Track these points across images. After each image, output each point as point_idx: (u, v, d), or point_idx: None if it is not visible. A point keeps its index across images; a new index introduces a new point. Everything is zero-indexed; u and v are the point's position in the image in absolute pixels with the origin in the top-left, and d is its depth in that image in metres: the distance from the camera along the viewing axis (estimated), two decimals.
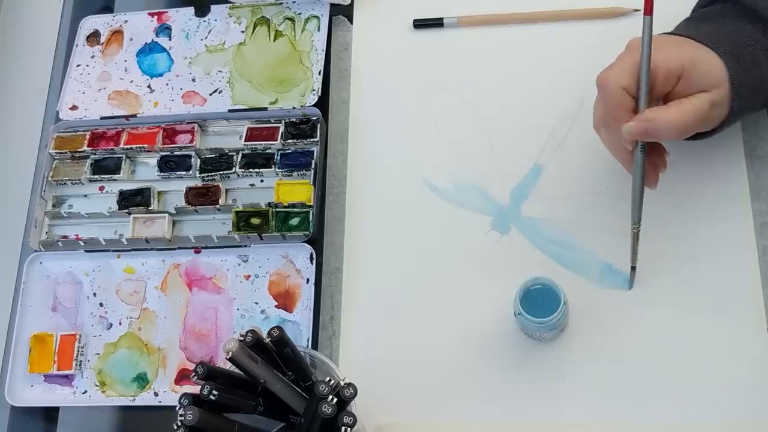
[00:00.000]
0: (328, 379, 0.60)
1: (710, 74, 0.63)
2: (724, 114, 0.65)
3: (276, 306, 0.78)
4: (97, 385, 0.78)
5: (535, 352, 0.72)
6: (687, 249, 0.72)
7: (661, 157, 0.68)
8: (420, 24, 0.85)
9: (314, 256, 0.78)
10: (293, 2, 0.89)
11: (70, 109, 0.89)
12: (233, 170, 0.82)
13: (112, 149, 0.85)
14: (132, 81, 0.89)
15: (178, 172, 0.84)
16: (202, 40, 0.90)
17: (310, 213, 0.80)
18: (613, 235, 0.73)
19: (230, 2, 0.90)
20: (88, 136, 0.86)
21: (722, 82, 0.63)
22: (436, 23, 0.85)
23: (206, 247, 0.81)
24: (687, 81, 0.63)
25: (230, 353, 0.59)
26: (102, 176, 0.85)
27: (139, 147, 0.85)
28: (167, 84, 0.88)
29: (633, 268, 0.70)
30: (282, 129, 0.83)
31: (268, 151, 0.83)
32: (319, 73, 0.85)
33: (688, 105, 0.62)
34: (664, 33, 0.67)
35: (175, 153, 0.85)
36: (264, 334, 0.64)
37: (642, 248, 0.72)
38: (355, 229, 0.79)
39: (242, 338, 0.62)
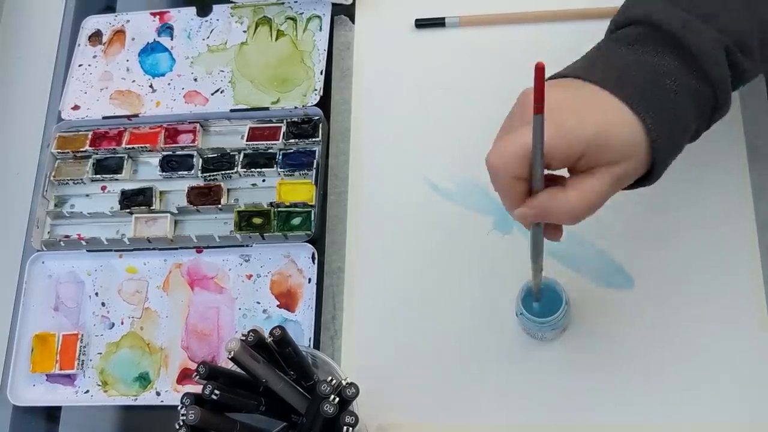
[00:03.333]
0: (330, 378, 0.60)
1: (620, 148, 0.53)
2: (637, 176, 0.56)
3: (278, 306, 0.78)
4: (99, 385, 0.78)
5: (536, 352, 0.72)
6: (689, 249, 0.72)
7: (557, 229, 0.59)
8: (422, 24, 0.85)
9: (316, 255, 0.78)
10: (295, 2, 0.89)
11: (72, 108, 0.89)
12: (235, 170, 0.82)
13: (114, 149, 0.85)
14: (134, 81, 0.89)
15: (179, 172, 0.84)
16: (203, 39, 0.90)
17: (312, 213, 0.80)
18: (615, 235, 0.73)
19: (232, 2, 0.90)
20: (90, 136, 0.86)
21: (635, 152, 0.54)
22: (438, 23, 0.85)
23: (208, 247, 0.81)
24: (591, 158, 0.53)
25: (232, 353, 0.59)
26: (104, 176, 0.85)
27: (141, 147, 0.85)
28: (169, 84, 0.88)
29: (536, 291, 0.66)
30: (284, 129, 0.83)
31: (269, 150, 0.83)
32: (321, 73, 0.85)
33: (589, 188, 0.53)
34: (567, 77, 0.57)
35: (177, 153, 0.85)
36: (266, 334, 0.64)
37: (644, 248, 0.72)
38: (356, 229, 0.79)
39: (244, 338, 0.62)
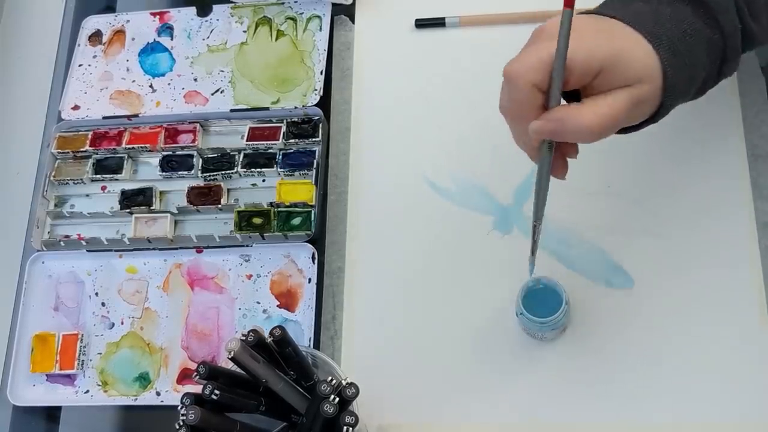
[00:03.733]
0: (329, 378, 0.60)
1: (637, 69, 0.55)
2: (651, 110, 0.58)
3: (278, 306, 0.78)
4: (99, 385, 0.78)
5: (537, 352, 0.72)
6: (689, 248, 0.72)
7: (573, 146, 0.59)
8: (422, 24, 0.85)
9: (316, 255, 0.78)
10: (295, 2, 0.89)
11: (72, 108, 0.89)
12: (235, 170, 0.83)
13: (114, 149, 0.85)
14: (134, 81, 0.89)
15: (179, 172, 0.84)
16: (203, 39, 0.90)
17: (312, 213, 0.80)
18: (615, 235, 0.73)
19: (232, 2, 0.90)
20: (90, 136, 0.86)
21: (651, 77, 0.55)
22: (438, 23, 0.85)
23: (208, 247, 0.81)
24: (607, 77, 0.54)
25: (232, 353, 0.59)
26: (104, 176, 0.85)
27: (141, 147, 0.85)
28: (169, 84, 0.88)
29: (532, 258, 0.65)
30: (284, 129, 0.83)
31: (269, 150, 0.83)
32: (321, 73, 0.85)
33: (605, 106, 0.54)
34: (587, 11, 0.59)
35: (177, 153, 0.85)
36: (266, 334, 0.64)
37: (644, 248, 0.72)
38: (356, 229, 0.79)
39: (244, 338, 0.62)
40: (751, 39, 0.60)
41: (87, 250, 0.83)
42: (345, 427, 0.59)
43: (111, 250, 0.83)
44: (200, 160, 0.84)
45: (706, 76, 0.60)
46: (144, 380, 0.78)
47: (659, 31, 0.56)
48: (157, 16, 0.92)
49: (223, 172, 0.83)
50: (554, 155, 0.57)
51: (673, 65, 0.56)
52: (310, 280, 0.78)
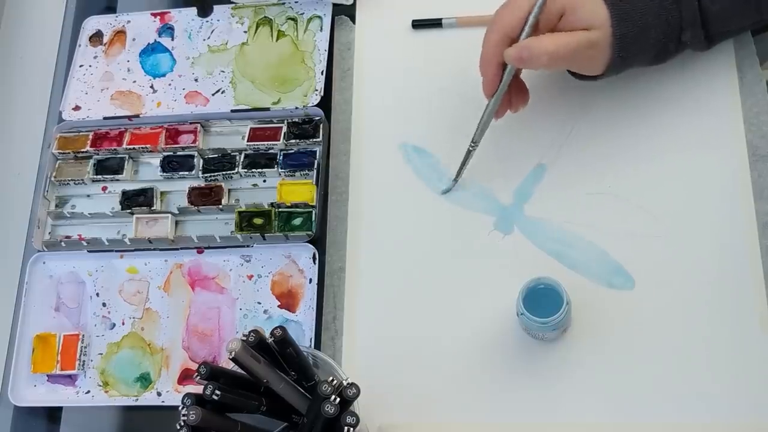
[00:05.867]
0: (330, 378, 0.60)
1: (589, 17, 0.68)
2: (605, 58, 0.70)
3: (279, 306, 0.78)
4: (100, 385, 0.78)
5: (538, 352, 0.72)
6: (690, 249, 0.72)
7: (524, 94, 0.74)
8: (418, 24, 0.85)
9: (317, 255, 0.78)
10: (296, 2, 0.89)
11: (72, 109, 0.89)
12: (236, 170, 0.83)
13: (114, 149, 0.85)
14: (135, 81, 0.89)
15: (180, 173, 0.84)
16: (204, 40, 0.90)
17: (313, 213, 0.80)
18: (617, 235, 0.73)
19: (233, 2, 0.90)
20: (90, 137, 0.86)
21: (601, 25, 0.68)
22: (435, 23, 0.85)
23: (209, 247, 0.81)
24: (567, 20, 0.69)
25: (233, 353, 0.59)
26: (105, 176, 0.85)
27: (142, 147, 0.85)
28: (170, 84, 0.88)
29: (456, 180, 0.77)
30: (284, 129, 0.83)
31: (270, 151, 0.83)
32: (322, 73, 0.85)
33: (562, 37, 0.68)
34: None
35: (178, 153, 0.85)
36: (267, 334, 0.64)
37: (645, 248, 0.72)
38: (357, 229, 0.79)
39: (245, 338, 0.62)
40: (707, 15, 0.70)
41: (88, 251, 0.83)
42: (346, 428, 0.59)
43: (112, 251, 0.83)
44: (201, 160, 0.84)
45: (664, 39, 0.71)
46: (145, 381, 0.78)
47: None
48: (158, 17, 0.92)
49: (224, 172, 0.83)
50: (504, 102, 0.73)
51: (621, 18, 0.68)
52: (311, 280, 0.78)
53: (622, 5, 0.68)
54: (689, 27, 0.71)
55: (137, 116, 0.87)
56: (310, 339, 0.76)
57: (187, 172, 0.84)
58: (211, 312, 0.79)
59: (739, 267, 0.71)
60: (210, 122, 0.86)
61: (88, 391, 0.78)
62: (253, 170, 0.82)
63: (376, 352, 0.74)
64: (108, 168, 0.85)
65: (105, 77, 0.90)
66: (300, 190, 0.81)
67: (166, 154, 0.85)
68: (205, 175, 0.83)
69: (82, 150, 0.86)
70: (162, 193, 0.84)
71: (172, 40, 0.91)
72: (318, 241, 0.79)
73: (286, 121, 0.84)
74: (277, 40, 0.88)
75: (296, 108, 0.83)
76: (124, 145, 0.85)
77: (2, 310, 0.83)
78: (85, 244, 0.83)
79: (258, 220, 0.80)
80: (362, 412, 0.62)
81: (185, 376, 0.77)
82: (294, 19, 0.89)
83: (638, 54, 0.71)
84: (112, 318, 0.81)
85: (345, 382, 0.61)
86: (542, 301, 0.68)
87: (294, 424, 0.65)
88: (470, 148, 0.75)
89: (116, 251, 0.83)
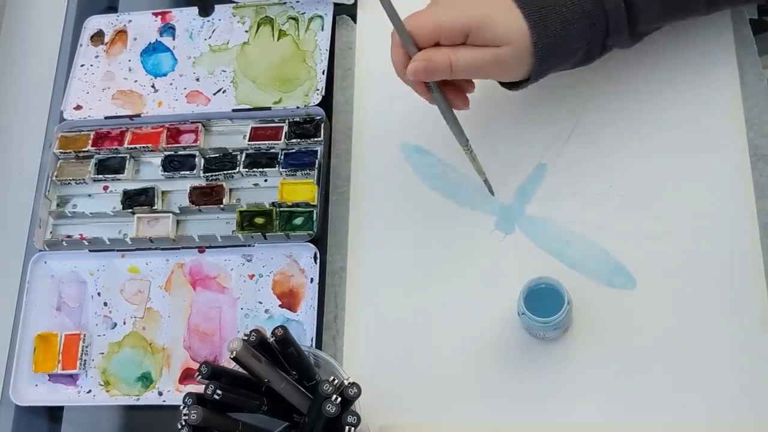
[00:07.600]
0: (332, 378, 0.60)
1: (499, 33, 0.64)
2: (523, 69, 0.67)
3: (280, 305, 0.78)
4: (101, 385, 0.78)
5: (538, 352, 0.72)
6: (691, 249, 0.72)
7: (461, 91, 0.70)
8: None
9: (318, 255, 0.78)
10: (297, 2, 0.89)
11: (74, 108, 0.89)
12: (237, 170, 0.83)
13: (116, 149, 0.85)
14: (136, 81, 0.89)
15: (182, 172, 0.84)
16: (205, 39, 0.90)
17: (314, 212, 0.80)
18: (618, 235, 0.73)
19: (234, 2, 0.90)
20: (92, 136, 0.86)
21: (515, 40, 0.64)
22: None
23: (210, 247, 0.81)
24: (477, 37, 0.64)
25: (234, 353, 0.59)
26: (106, 176, 0.85)
27: (143, 147, 0.85)
28: (171, 84, 0.88)
29: (487, 183, 0.75)
30: (286, 128, 0.83)
31: (271, 150, 0.83)
32: (323, 73, 0.85)
33: (469, 54, 0.65)
34: None
35: (179, 153, 0.85)
36: (268, 334, 0.64)
37: (646, 248, 0.72)
38: (358, 229, 0.79)
39: (246, 338, 0.62)
40: (636, 18, 0.67)
41: (89, 250, 0.83)
42: (347, 427, 0.59)
43: (113, 250, 0.83)
44: (202, 160, 0.84)
45: (588, 47, 0.67)
46: (146, 380, 0.78)
47: (534, 3, 0.65)
48: (159, 16, 0.92)
49: (225, 172, 0.83)
50: (453, 91, 0.69)
51: (542, 31, 0.64)
52: (312, 279, 0.78)
53: (544, 15, 0.64)
54: (616, 33, 0.67)
55: (138, 116, 0.87)
56: (312, 338, 0.76)
57: (188, 172, 0.84)
58: (213, 311, 0.79)
59: (740, 267, 0.71)
60: (211, 122, 0.86)
61: (90, 391, 0.78)
62: (255, 170, 0.82)
63: (378, 352, 0.74)
64: (109, 167, 0.85)
65: (106, 77, 0.90)
66: (301, 190, 0.81)
67: (167, 153, 0.85)
68: (207, 174, 0.83)
69: (84, 149, 0.86)
70: (163, 192, 0.84)
71: (174, 39, 0.91)
72: (319, 241, 0.79)
73: (287, 121, 0.84)
74: (278, 39, 0.88)
75: (297, 107, 0.83)
76: (126, 145, 0.85)
77: (3, 309, 0.83)
78: (86, 243, 0.83)
79: (259, 220, 0.80)
80: (363, 411, 0.62)
81: (186, 376, 0.77)
82: (295, 19, 0.89)
83: (561, 64, 0.68)
84: (114, 317, 0.81)
85: (346, 382, 0.61)
86: (543, 301, 0.68)
87: (295, 423, 0.65)
88: (465, 150, 0.73)
89: (117, 251, 0.83)
